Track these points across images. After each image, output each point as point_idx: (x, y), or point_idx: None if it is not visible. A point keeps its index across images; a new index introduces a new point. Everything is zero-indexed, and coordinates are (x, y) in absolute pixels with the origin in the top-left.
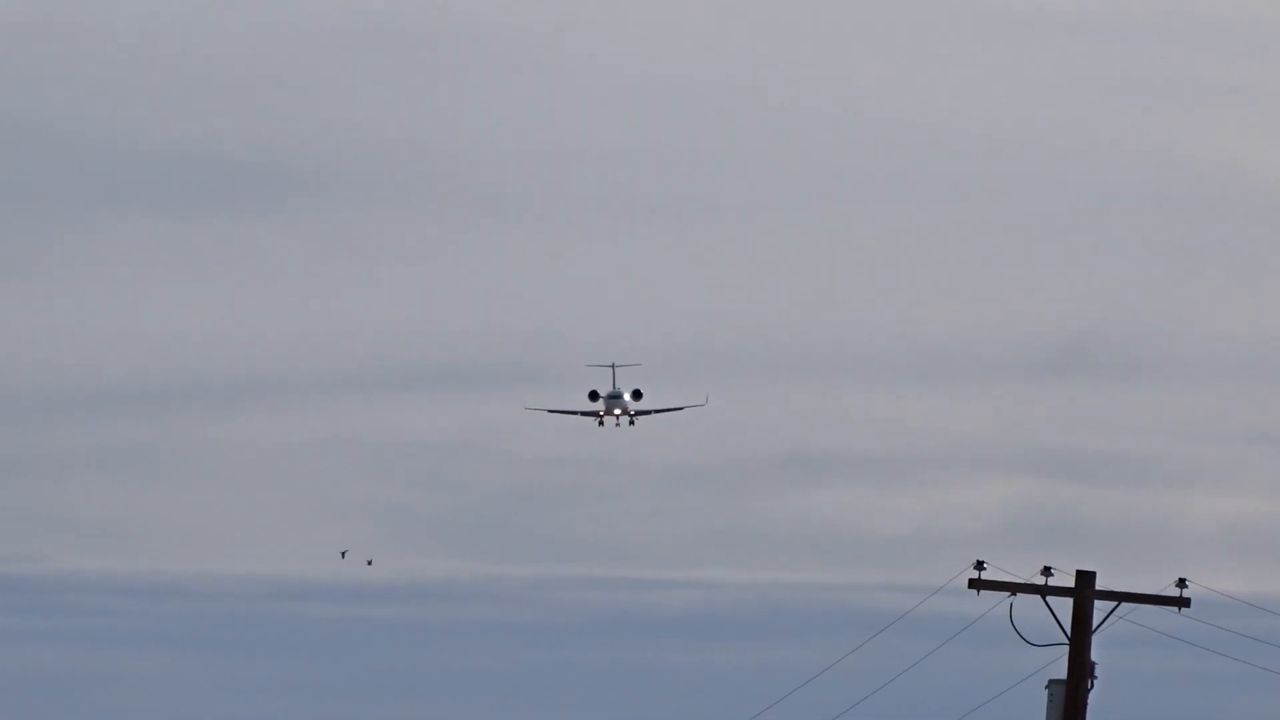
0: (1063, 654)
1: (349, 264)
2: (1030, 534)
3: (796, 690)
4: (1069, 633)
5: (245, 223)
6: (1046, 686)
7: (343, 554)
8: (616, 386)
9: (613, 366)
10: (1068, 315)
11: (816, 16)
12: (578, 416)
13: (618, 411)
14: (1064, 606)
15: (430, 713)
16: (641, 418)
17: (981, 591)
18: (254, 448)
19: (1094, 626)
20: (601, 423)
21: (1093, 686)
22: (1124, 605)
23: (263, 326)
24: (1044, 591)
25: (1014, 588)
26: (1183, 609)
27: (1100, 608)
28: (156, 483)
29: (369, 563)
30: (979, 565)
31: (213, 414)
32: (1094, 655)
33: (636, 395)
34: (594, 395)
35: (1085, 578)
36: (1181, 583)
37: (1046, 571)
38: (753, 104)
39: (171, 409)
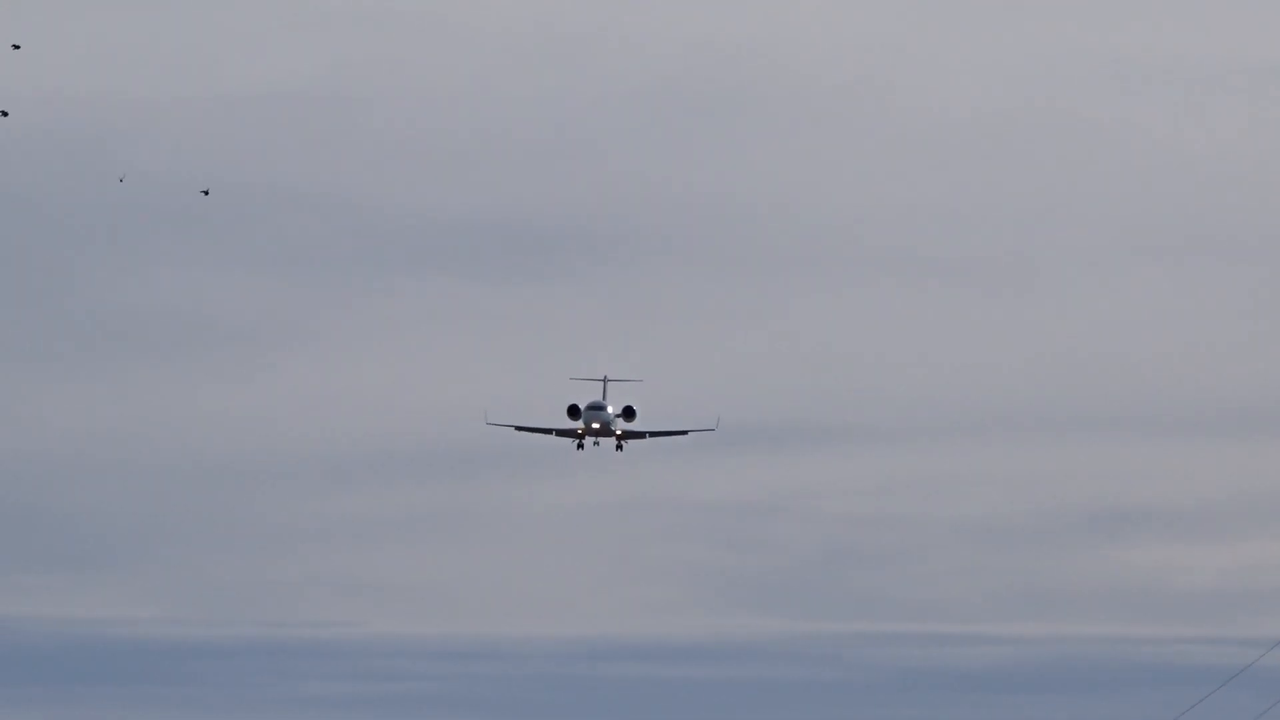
0: None
1: (647, 323)
2: None
3: None
4: None
5: (543, 284)
6: None
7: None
8: (603, 400)
9: (604, 380)
10: None
11: (1120, 71)
12: (551, 435)
13: (596, 426)
14: None
15: None
16: (633, 441)
17: None
18: (563, 509)
19: None
20: (581, 445)
21: None
22: None
23: (565, 387)
24: None
25: None
26: None
27: None
28: (466, 546)
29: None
30: None
31: (520, 476)
32: None
33: (628, 414)
34: (574, 410)
35: None
36: None
37: None
38: (1061, 159)
39: (479, 472)
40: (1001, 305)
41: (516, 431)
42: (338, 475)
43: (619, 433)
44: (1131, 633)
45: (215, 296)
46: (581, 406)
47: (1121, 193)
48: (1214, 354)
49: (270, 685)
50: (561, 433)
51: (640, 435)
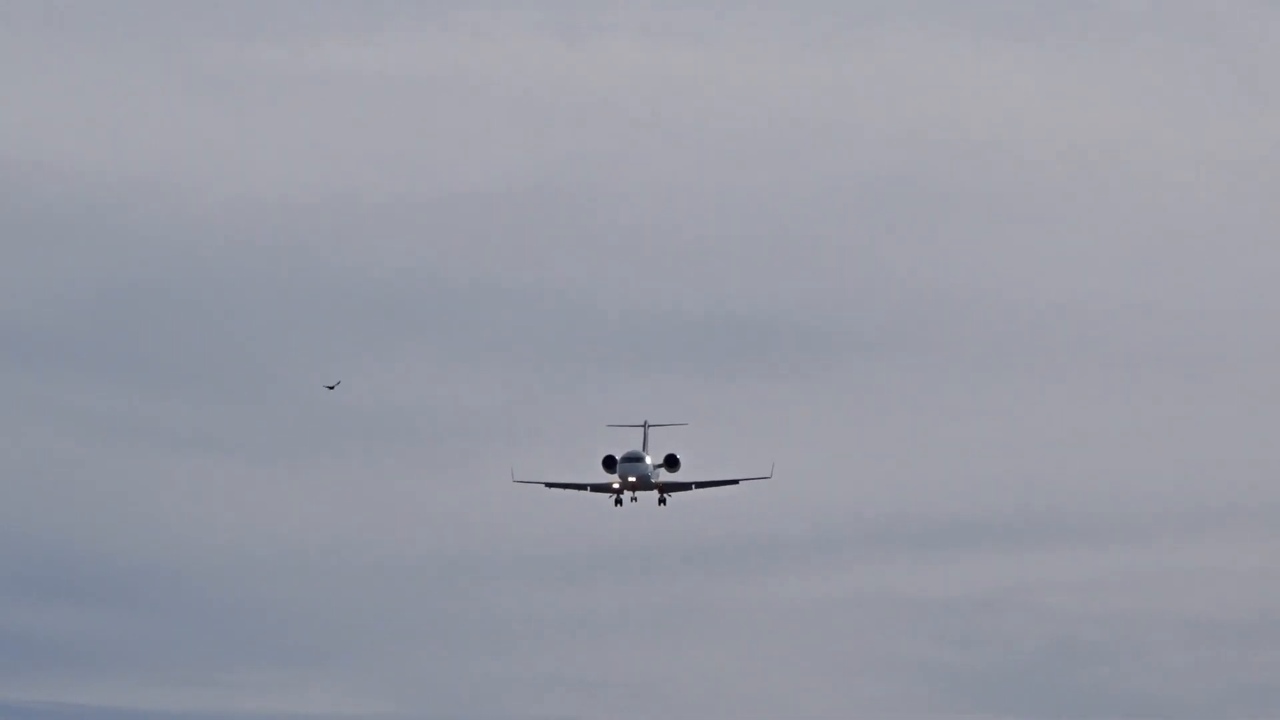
0: None
1: (876, 418)
2: None
3: None
4: None
5: (765, 379)
6: None
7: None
8: (643, 450)
9: (644, 425)
10: None
11: None
12: (586, 491)
13: (633, 479)
14: None
15: None
16: (677, 494)
17: None
18: (783, 605)
19: None
20: (619, 500)
21: None
22: None
23: (791, 485)
24: None
25: None
26: None
27: None
28: (686, 643)
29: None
30: None
31: (742, 573)
32: None
33: (671, 464)
34: (609, 462)
35: None
36: None
37: None
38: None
39: (697, 568)
40: (1222, 399)
41: (546, 489)
42: (564, 571)
43: (660, 483)
44: None
45: (441, 392)
46: (617, 458)
47: None
48: None
49: None
50: (597, 488)
51: (685, 487)
